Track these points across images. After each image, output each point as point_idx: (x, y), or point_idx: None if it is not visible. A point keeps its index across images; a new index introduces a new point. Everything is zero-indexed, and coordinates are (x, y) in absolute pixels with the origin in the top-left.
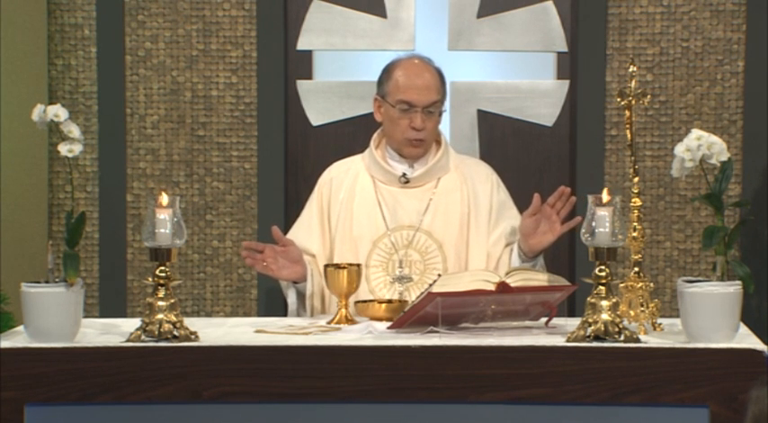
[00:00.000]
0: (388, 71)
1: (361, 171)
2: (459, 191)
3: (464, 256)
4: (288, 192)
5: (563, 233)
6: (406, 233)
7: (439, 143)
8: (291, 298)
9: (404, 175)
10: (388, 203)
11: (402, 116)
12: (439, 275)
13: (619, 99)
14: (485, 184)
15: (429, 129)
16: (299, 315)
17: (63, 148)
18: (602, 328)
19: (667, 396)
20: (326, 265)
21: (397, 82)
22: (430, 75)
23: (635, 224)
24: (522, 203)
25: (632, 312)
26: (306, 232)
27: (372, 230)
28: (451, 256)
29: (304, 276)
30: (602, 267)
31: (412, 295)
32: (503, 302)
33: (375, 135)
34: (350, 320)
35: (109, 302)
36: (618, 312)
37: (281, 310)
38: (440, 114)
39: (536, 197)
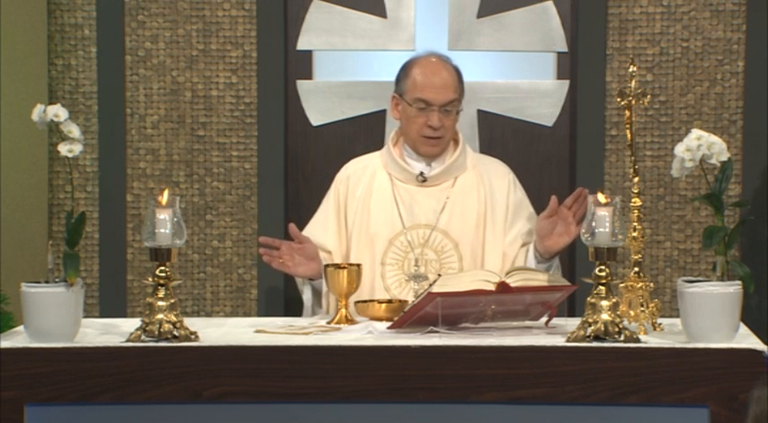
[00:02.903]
0: (405, 69)
1: (378, 168)
2: (476, 190)
3: (480, 256)
4: (288, 192)
5: (578, 235)
6: (423, 232)
7: (457, 142)
8: (307, 294)
9: (421, 173)
10: (405, 202)
11: (419, 114)
12: (439, 275)
13: (619, 99)
14: (502, 183)
15: (446, 127)
16: (314, 312)
17: (63, 148)
18: (602, 328)
19: (667, 396)
20: (327, 265)
21: (415, 80)
22: (447, 73)
23: (635, 224)
24: None
25: (632, 312)
26: (322, 229)
27: (389, 228)
28: (467, 255)
29: (320, 273)
30: (602, 267)
31: None
32: (503, 302)
33: (393, 133)
34: (350, 320)
35: (109, 302)
36: (618, 312)
37: (281, 310)
38: (457, 113)
39: (553, 199)
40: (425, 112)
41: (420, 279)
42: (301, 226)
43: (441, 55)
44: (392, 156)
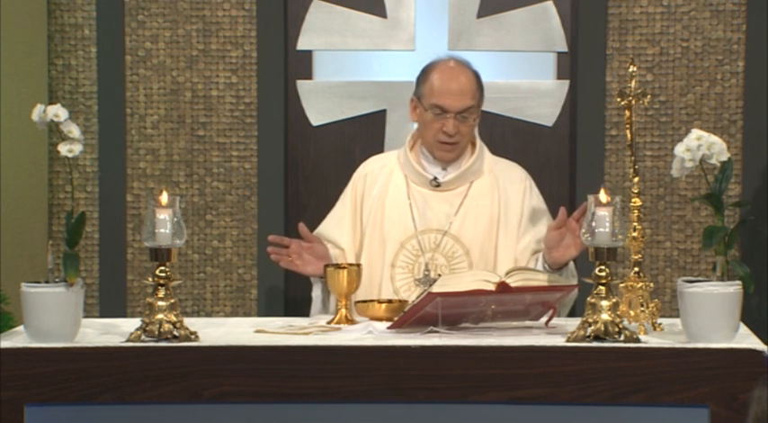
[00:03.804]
0: (425, 73)
1: (395, 169)
2: (491, 195)
3: (492, 262)
4: (288, 192)
5: (586, 247)
6: (434, 236)
7: (474, 146)
8: (316, 292)
9: (435, 178)
10: (419, 205)
11: (435, 120)
12: (439, 275)
13: (619, 99)
14: (517, 188)
15: (462, 133)
16: (323, 306)
17: (63, 148)
18: (602, 328)
19: (667, 396)
20: (326, 265)
21: (432, 85)
22: (466, 78)
23: (635, 224)
24: None
25: (632, 312)
26: (337, 225)
27: (401, 231)
28: (478, 261)
29: None
30: (602, 267)
31: None
32: (503, 302)
33: (410, 135)
34: (350, 320)
35: (109, 302)
36: (618, 312)
37: (281, 310)
38: (475, 119)
39: (562, 211)
40: (441, 118)
41: (429, 284)
42: (307, 226)
43: (460, 59)
44: (408, 158)
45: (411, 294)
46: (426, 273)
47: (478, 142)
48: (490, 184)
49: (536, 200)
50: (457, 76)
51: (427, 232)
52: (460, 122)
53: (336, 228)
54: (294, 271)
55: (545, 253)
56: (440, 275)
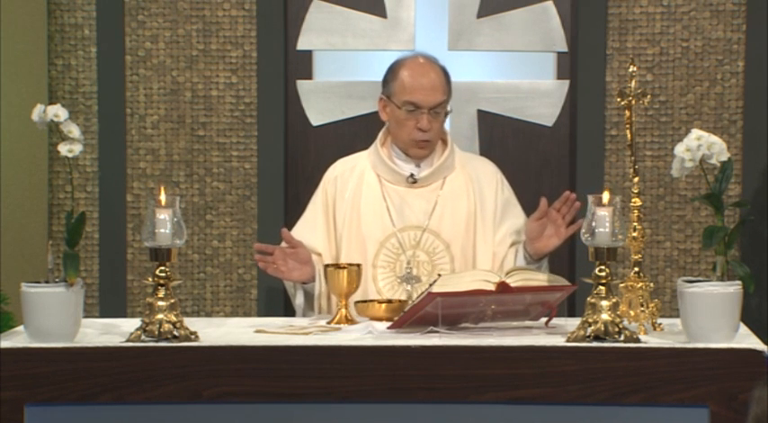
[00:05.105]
0: (393, 71)
1: (366, 169)
2: (466, 190)
3: (471, 256)
4: (288, 192)
5: (568, 237)
6: (414, 233)
7: (445, 142)
8: (299, 299)
9: (411, 175)
10: (395, 203)
11: (408, 117)
12: (439, 275)
13: (619, 99)
14: (490, 182)
15: (435, 129)
16: (305, 316)
17: (63, 148)
18: (602, 328)
19: (667, 396)
20: (326, 265)
21: (403, 82)
22: (435, 74)
23: (635, 224)
24: (522, 204)
25: (632, 312)
26: (311, 230)
27: (379, 230)
28: (458, 256)
29: (313, 277)
30: (602, 267)
31: None
32: (503, 302)
33: (380, 133)
34: (350, 320)
35: (109, 302)
36: (618, 312)
37: (281, 310)
38: (446, 114)
39: (543, 201)
40: (415, 115)
41: (412, 281)
42: None
43: (428, 56)
44: (380, 157)
45: (395, 293)
46: (408, 270)
47: (449, 138)
48: (464, 180)
49: (507, 192)
50: (427, 72)
51: (407, 230)
52: (433, 118)
53: (310, 233)
54: (280, 278)
55: (526, 244)
56: (439, 275)
